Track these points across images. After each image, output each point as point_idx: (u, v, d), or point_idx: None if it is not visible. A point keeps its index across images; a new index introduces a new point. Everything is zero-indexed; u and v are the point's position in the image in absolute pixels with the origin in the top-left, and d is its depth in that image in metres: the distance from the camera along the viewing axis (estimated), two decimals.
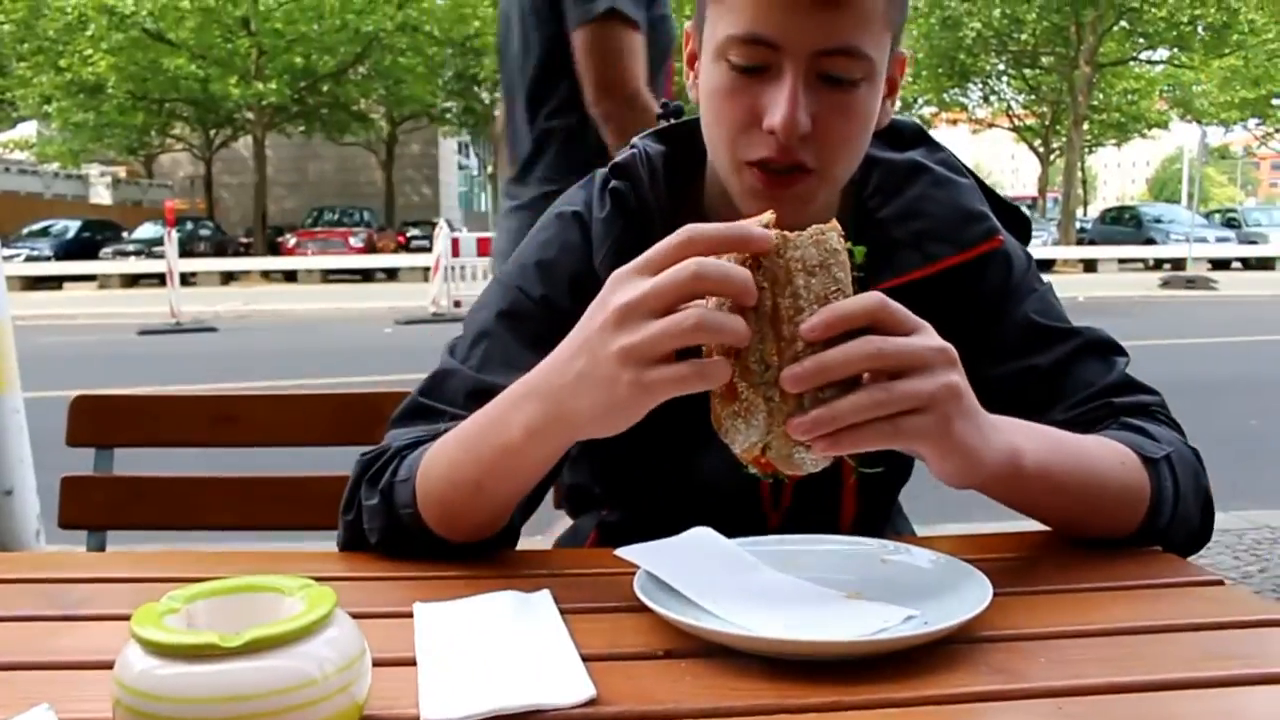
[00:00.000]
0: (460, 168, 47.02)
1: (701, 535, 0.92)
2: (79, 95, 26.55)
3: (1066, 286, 18.01)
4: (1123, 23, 26.75)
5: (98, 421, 1.58)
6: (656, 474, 1.15)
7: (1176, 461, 1.01)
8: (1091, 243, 27.72)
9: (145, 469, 1.59)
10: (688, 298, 0.75)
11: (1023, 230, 1.22)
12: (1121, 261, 24.22)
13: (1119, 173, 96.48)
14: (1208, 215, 31.18)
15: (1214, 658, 0.74)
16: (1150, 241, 25.67)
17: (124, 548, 1.61)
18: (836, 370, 0.75)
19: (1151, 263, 24.76)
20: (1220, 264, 23.85)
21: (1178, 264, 22.78)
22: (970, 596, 0.77)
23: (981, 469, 0.84)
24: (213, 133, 30.99)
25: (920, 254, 1.09)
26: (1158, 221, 27.47)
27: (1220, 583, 0.90)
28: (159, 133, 31.34)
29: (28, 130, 36.65)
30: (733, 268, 0.75)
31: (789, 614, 0.78)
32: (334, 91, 29.00)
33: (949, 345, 0.80)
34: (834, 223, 0.79)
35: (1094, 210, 44.76)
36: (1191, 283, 19.09)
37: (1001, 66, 30.93)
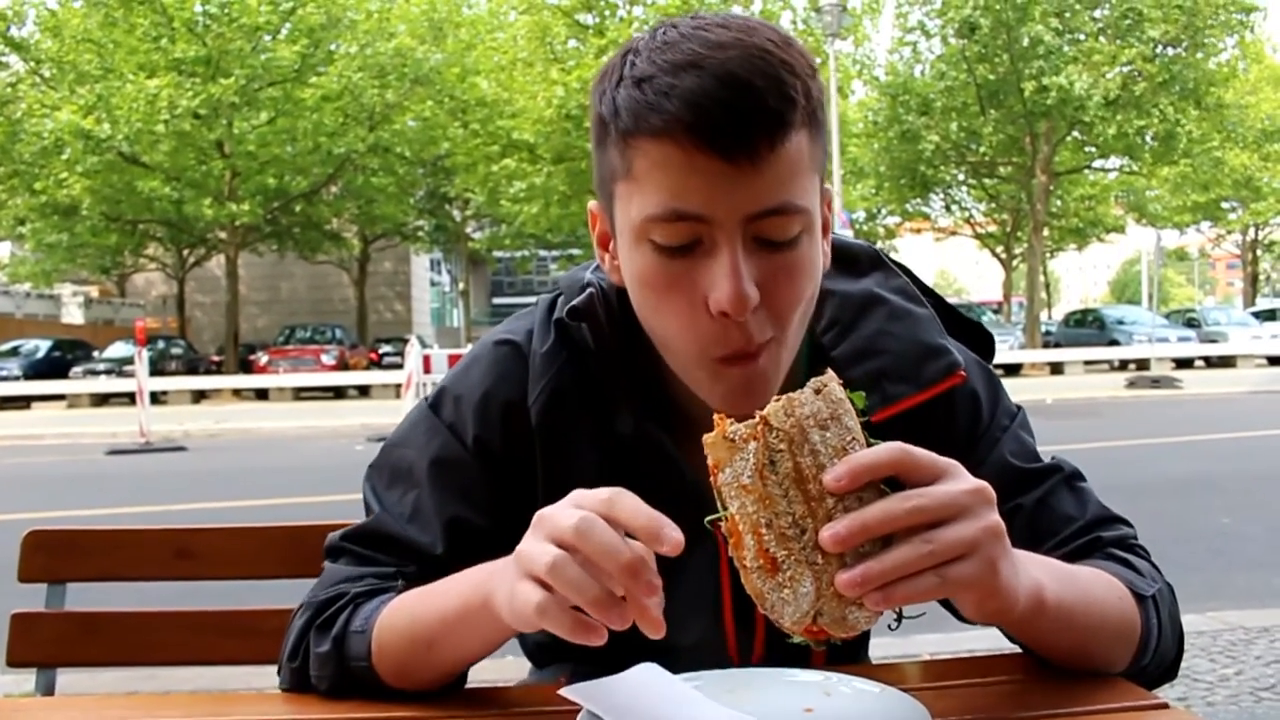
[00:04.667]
0: (432, 284, 47.44)
1: (646, 671, 0.91)
2: (53, 217, 26.72)
3: (1034, 389, 18.34)
4: (1075, 133, 27.66)
5: (50, 556, 1.55)
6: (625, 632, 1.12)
7: (1160, 599, 1.01)
8: (1057, 345, 28.14)
9: (99, 603, 1.57)
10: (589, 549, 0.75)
11: (986, 348, 1.18)
12: (1087, 363, 24.56)
13: (1081, 275, 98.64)
14: (1168, 315, 31.81)
15: None
16: (1114, 343, 26.12)
17: (76, 678, 1.57)
18: (876, 529, 0.74)
19: (1117, 363, 25.13)
20: (1184, 363, 24.24)
21: (1142, 364, 23.12)
22: None
23: (1016, 608, 0.82)
24: (186, 252, 31.16)
25: (879, 395, 1.03)
26: (1120, 323, 28.00)
27: (1165, 705, 0.90)
28: (132, 253, 31.50)
29: (0, 251, 36.76)
30: (616, 548, 0.74)
31: None
32: (307, 211, 29.31)
33: (983, 483, 0.78)
34: (830, 373, 0.79)
35: (1059, 313, 45.56)
36: (1156, 382, 19.36)
37: (961, 177, 31.79)
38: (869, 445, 0.78)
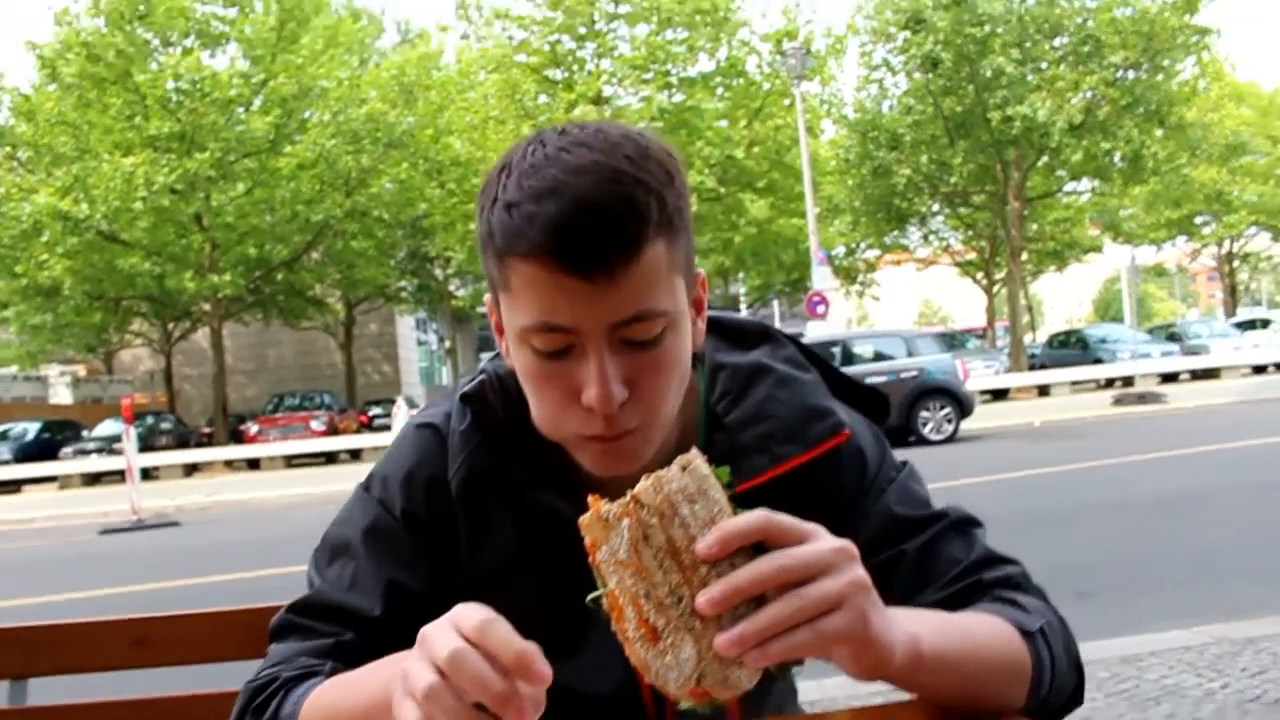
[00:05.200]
0: (419, 343, 47.48)
1: None
2: (36, 298, 26.77)
3: (1022, 413, 18.42)
4: (1044, 158, 27.99)
5: (10, 654, 1.59)
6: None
7: (1049, 632, 1.05)
8: (1043, 367, 28.25)
9: (62, 697, 1.60)
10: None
11: (879, 410, 1.25)
12: (1074, 383, 24.66)
13: (1064, 295, 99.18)
14: (1150, 331, 32.02)
15: None
16: (1099, 361, 26.25)
17: None
18: (748, 589, 0.78)
19: (1103, 382, 25.24)
20: (1169, 377, 24.36)
21: (1127, 381, 23.25)
22: None
23: (893, 661, 0.86)
24: (170, 326, 31.18)
25: (768, 456, 1.12)
26: (1103, 341, 28.16)
27: None
28: (117, 330, 31.51)
29: None
30: (490, 680, 0.76)
31: None
32: (289, 279, 29.37)
33: (847, 542, 0.83)
34: (694, 450, 0.85)
35: (1044, 335, 45.77)
36: (1143, 398, 19.47)
37: (936, 207, 32.02)
38: (735, 515, 0.82)
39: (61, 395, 37.70)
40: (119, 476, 18.16)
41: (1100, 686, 3.65)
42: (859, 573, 0.83)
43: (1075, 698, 1.08)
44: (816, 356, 1.25)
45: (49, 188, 23.97)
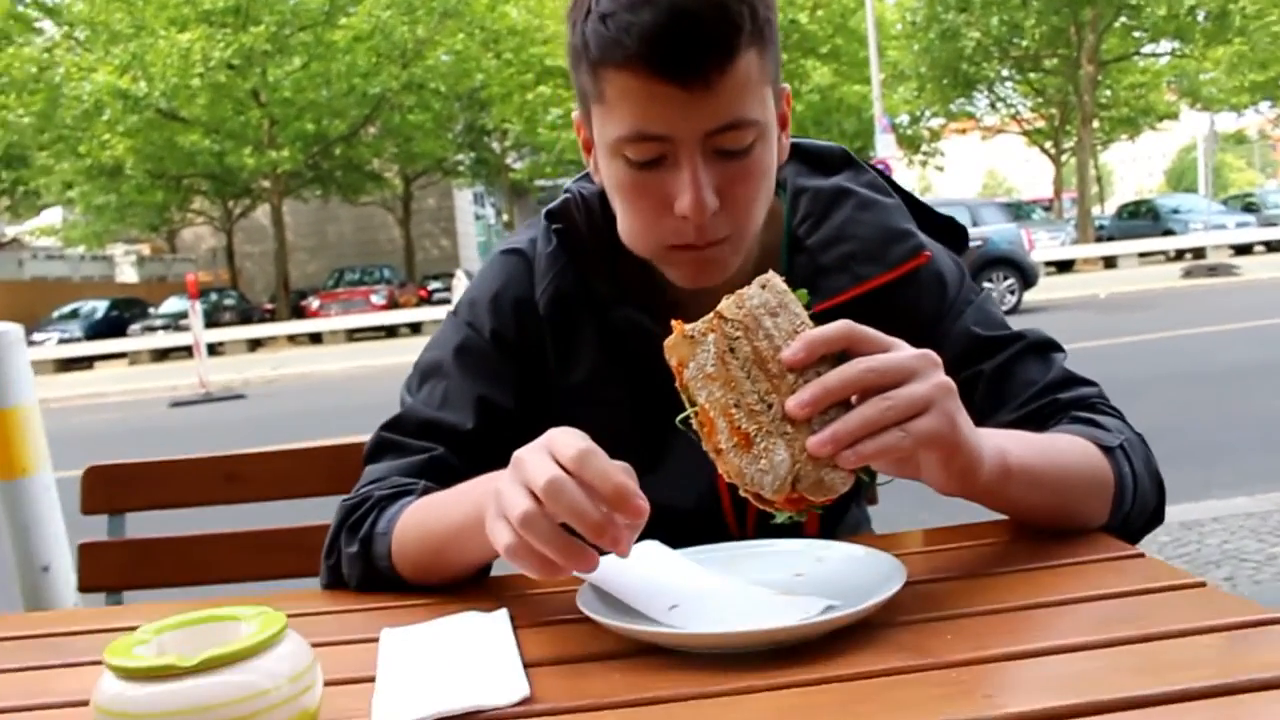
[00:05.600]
0: (477, 218, 47.51)
1: (648, 547, 0.98)
2: (99, 179, 27.12)
3: (1087, 285, 18.05)
4: (1122, 18, 26.74)
5: (109, 490, 1.66)
6: None
7: (1130, 448, 1.06)
8: (1111, 239, 27.56)
9: (157, 531, 1.67)
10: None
11: (959, 241, 1.26)
12: (1142, 255, 24.05)
13: (1135, 166, 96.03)
14: (1225, 202, 30.95)
15: (1110, 621, 0.79)
16: (1169, 233, 25.51)
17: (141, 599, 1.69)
18: (837, 390, 0.80)
19: (1173, 254, 24.59)
20: (1242, 249, 23.65)
21: (1198, 253, 22.61)
22: (884, 584, 0.83)
23: (982, 470, 0.89)
24: (231, 204, 31.50)
25: (849, 275, 1.15)
26: (1175, 212, 27.31)
27: (1140, 555, 0.95)
28: (179, 208, 31.90)
29: (53, 216, 37.44)
30: (587, 511, 0.77)
31: (717, 614, 0.84)
32: (346, 154, 29.44)
33: (928, 350, 0.85)
34: (770, 271, 0.87)
35: (1113, 206, 44.52)
36: (1214, 270, 18.94)
37: (1005, 73, 30.94)
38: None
39: (127, 274, 38.59)
40: (185, 352, 18.68)
41: (1161, 550, 3.67)
42: (944, 378, 0.84)
43: (1157, 515, 1.09)
44: (896, 185, 1.26)
45: (107, 66, 24.02)
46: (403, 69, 26.88)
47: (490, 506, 0.84)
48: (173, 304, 26.66)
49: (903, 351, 0.84)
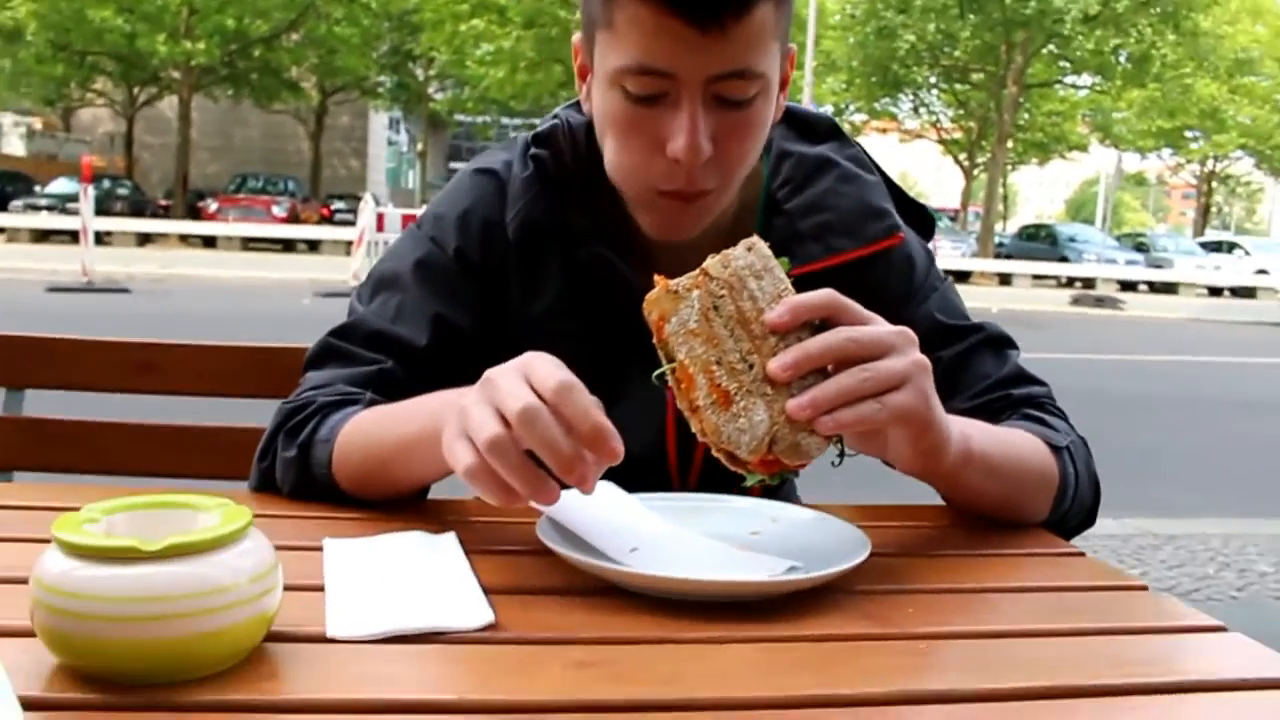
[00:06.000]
0: (390, 143, 46.41)
1: (606, 488, 0.96)
2: None
3: (982, 298, 18.60)
4: (1051, 46, 27.46)
5: (9, 361, 1.56)
6: None
7: (1074, 450, 1.09)
8: (1009, 257, 28.41)
9: (56, 412, 1.58)
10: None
11: (926, 227, 1.28)
12: (1036, 277, 24.88)
13: (1039, 191, 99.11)
14: (1119, 238, 32.22)
15: (1064, 612, 0.81)
16: (1064, 259, 26.44)
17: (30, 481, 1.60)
18: (818, 356, 0.81)
19: (1064, 280, 25.51)
20: (1128, 285, 24.67)
21: (1088, 283, 23.50)
22: (849, 552, 0.83)
23: (948, 452, 0.90)
24: (136, 90, 30.05)
25: (822, 246, 1.14)
26: (1072, 240, 28.32)
27: (1081, 554, 0.98)
28: (80, 86, 30.29)
29: None
30: (559, 445, 0.75)
31: (679, 561, 0.83)
32: (265, 57, 28.34)
33: (906, 328, 0.86)
34: (755, 236, 0.86)
35: (1013, 226, 45.89)
36: (1100, 301, 19.74)
37: (933, 80, 31.52)
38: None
39: (14, 146, 36.50)
40: (68, 237, 17.83)
41: None
42: (920, 356, 0.85)
43: (1090, 517, 1.13)
44: (877, 165, 1.26)
45: None
46: None
47: (451, 424, 0.81)
48: (61, 185, 25.33)
49: (882, 326, 0.86)
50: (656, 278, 0.84)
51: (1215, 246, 30.46)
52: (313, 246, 22.96)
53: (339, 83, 31.54)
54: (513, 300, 1.16)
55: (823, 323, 0.84)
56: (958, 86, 31.09)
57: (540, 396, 0.76)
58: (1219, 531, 4.43)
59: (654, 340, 0.84)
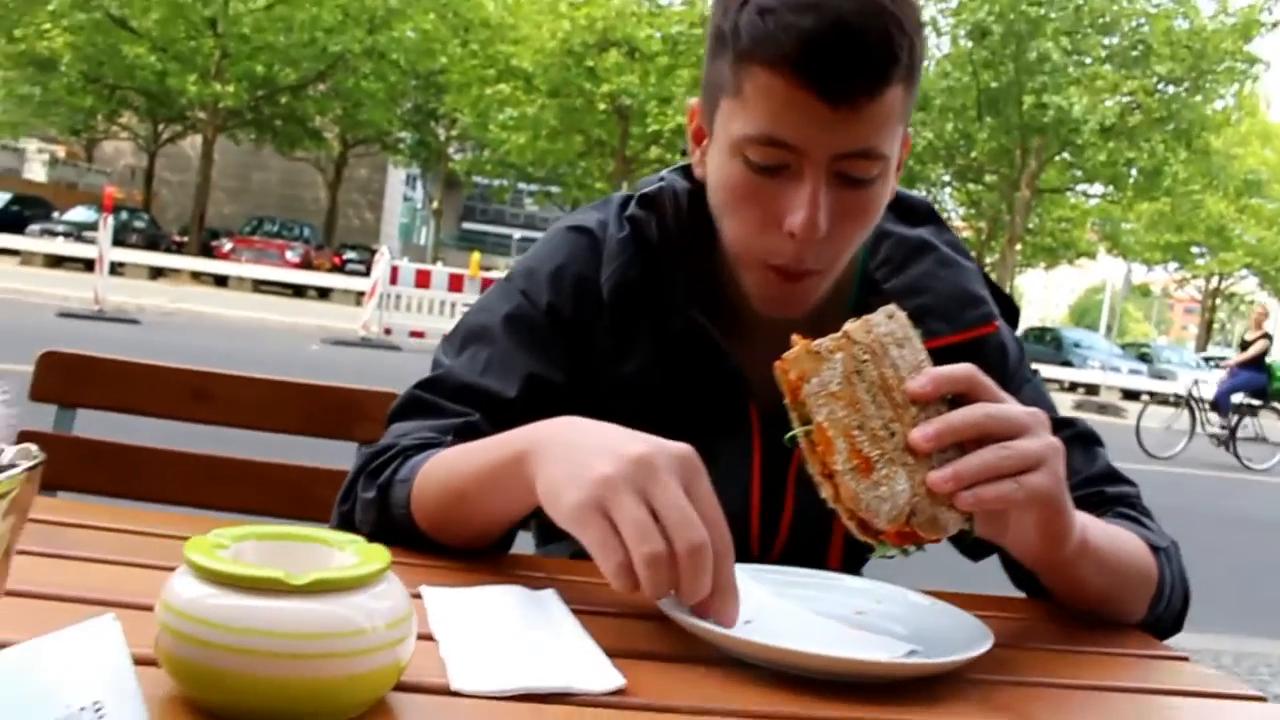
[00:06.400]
0: (405, 199, 46.85)
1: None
2: (29, 68, 25.93)
3: None
4: (1065, 154, 27.87)
5: (64, 379, 1.54)
6: None
7: (1171, 553, 1.08)
8: None
9: (106, 434, 1.55)
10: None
11: (1013, 318, 1.27)
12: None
13: (1043, 295, 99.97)
14: (1123, 347, 32.38)
15: (1182, 713, 0.78)
16: (1068, 364, 26.51)
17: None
18: (960, 429, 0.80)
19: (1068, 384, 25.55)
20: (1131, 394, 24.69)
21: (1091, 389, 23.52)
22: (971, 638, 0.80)
23: (1070, 540, 0.89)
24: (161, 126, 30.43)
25: (921, 329, 1.13)
26: (1077, 346, 28.44)
27: (1186, 659, 0.95)
28: (106, 118, 30.64)
29: None
30: (703, 589, 0.75)
31: (796, 636, 0.79)
32: (291, 104, 28.72)
33: (1038, 410, 0.86)
34: (893, 305, 0.86)
35: (1019, 329, 46.04)
36: (1103, 409, 19.71)
37: (947, 178, 31.93)
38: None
39: (35, 172, 36.81)
40: (82, 265, 17.86)
41: None
42: (1054, 438, 0.84)
43: (1179, 622, 1.10)
44: (969, 253, 1.25)
45: None
46: (367, 34, 26.44)
47: (567, 470, 0.78)
48: (79, 213, 25.48)
49: (1017, 406, 0.85)
50: (795, 337, 0.83)
51: (1218, 362, 30.56)
52: (323, 294, 23.01)
53: (361, 135, 31.93)
54: (602, 359, 1.13)
55: (955, 399, 0.83)
56: (970, 186, 31.48)
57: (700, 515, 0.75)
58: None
59: (786, 401, 0.82)
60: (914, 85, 1.01)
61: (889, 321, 0.83)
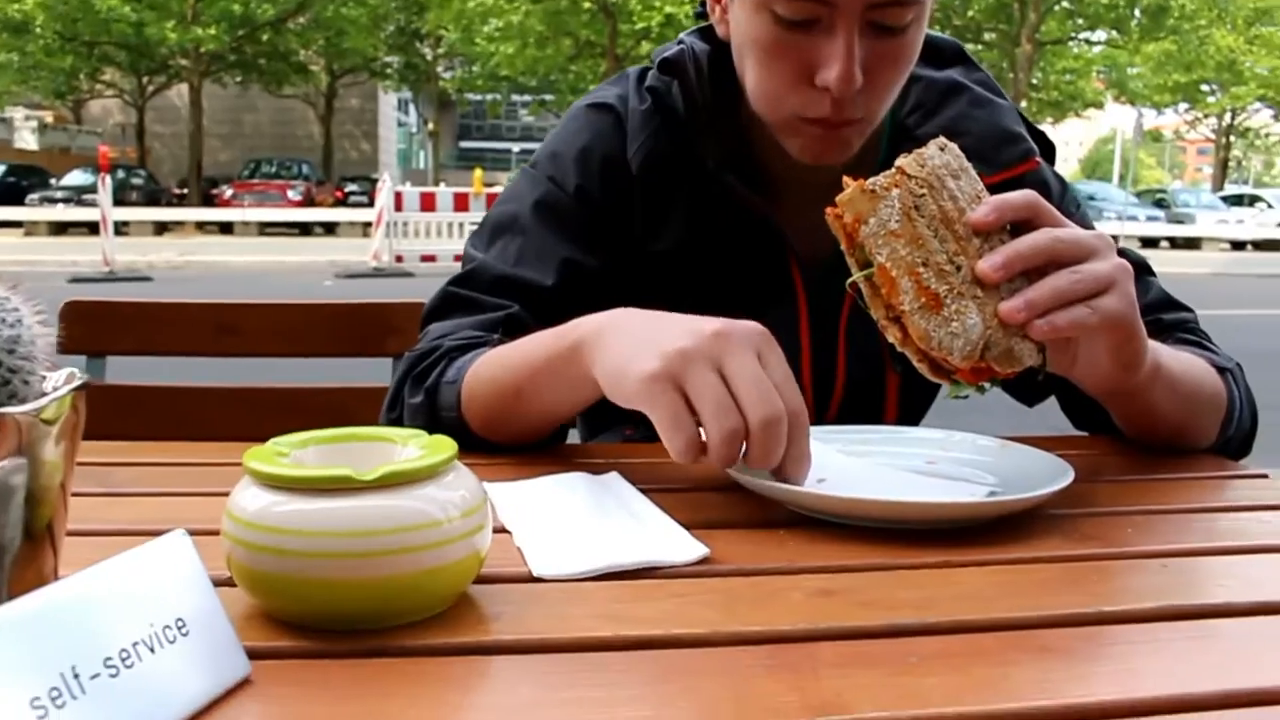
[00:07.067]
0: (399, 124, 46.29)
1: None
2: (2, 34, 25.51)
3: None
4: (1064, 2, 27.11)
5: (90, 328, 1.52)
6: None
7: (1236, 373, 1.05)
8: None
9: (138, 379, 1.54)
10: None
11: (1049, 153, 1.23)
12: None
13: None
14: (1139, 195, 31.91)
15: None
16: None
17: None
18: (1029, 255, 0.77)
19: None
20: (1150, 242, 24.44)
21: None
22: (1050, 474, 0.78)
23: (1144, 363, 0.86)
24: (146, 79, 29.98)
25: None
26: (1091, 199, 27.97)
27: (1265, 475, 0.93)
28: (89, 77, 30.21)
29: None
30: (776, 455, 0.73)
31: (874, 488, 0.78)
32: (273, 41, 28.18)
33: (1103, 233, 0.83)
34: (942, 137, 0.82)
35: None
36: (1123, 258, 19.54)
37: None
38: None
39: (26, 140, 36.51)
40: (86, 228, 17.81)
41: None
42: (1121, 260, 0.81)
43: (1248, 443, 1.07)
44: (1002, 90, 1.20)
45: None
46: None
47: (632, 348, 0.75)
48: (76, 177, 25.28)
49: (1081, 230, 0.82)
50: (846, 179, 0.79)
51: (1236, 200, 30.12)
52: (329, 229, 22.91)
53: (347, 65, 31.39)
54: (638, 236, 1.11)
55: (1015, 228, 0.80)
56: (970, 46, 30.74)
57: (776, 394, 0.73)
58: None
59: (843, 246, 0.79)
60: None
61: (942, 154, 0.80)
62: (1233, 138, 42.57)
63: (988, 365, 0.75)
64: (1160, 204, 29.20)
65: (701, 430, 0.72)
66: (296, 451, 0.63)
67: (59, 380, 0.56)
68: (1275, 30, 32.19)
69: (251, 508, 0.57)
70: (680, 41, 1.13)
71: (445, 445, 0.61)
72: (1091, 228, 1.16)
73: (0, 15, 24.21)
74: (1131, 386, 0.88)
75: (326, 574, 0.56)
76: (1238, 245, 25.59)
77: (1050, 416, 1.18)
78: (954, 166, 0.79)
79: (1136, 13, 26.88)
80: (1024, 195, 0.80)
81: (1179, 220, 27.06)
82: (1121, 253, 1.13)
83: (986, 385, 0.77)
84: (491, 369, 0.95)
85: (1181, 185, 61.04)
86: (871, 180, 0.77)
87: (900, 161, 0.78)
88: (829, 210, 0.79)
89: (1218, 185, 40.90)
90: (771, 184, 1.11)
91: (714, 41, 1.12)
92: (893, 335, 0.77)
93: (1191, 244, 25.22)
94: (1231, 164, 48.69)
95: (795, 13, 0.94)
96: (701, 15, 1.17)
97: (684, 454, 0.72)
